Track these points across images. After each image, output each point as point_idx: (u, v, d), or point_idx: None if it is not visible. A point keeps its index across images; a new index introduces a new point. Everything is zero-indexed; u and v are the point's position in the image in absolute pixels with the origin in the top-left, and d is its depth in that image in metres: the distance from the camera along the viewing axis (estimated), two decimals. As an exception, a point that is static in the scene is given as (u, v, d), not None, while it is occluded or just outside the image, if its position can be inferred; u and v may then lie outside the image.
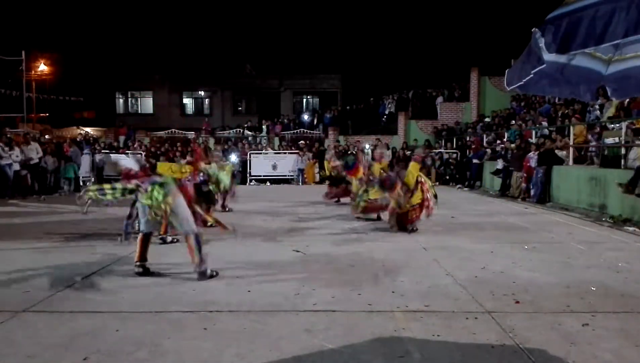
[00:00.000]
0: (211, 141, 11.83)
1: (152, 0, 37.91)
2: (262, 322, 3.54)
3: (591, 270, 5.05)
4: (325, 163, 19.18)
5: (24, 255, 5.79)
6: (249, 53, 37.95)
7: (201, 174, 7.50)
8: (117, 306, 3.87)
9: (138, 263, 4.85)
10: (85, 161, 17.13)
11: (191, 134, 23.08)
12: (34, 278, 4.67)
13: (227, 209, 10.16)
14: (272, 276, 4.80)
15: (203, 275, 4.64)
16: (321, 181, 19.02)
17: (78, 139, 20.17)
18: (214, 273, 4.74)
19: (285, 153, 19.85)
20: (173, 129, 24.22)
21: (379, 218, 8.39)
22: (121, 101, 34.27)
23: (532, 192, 11.71)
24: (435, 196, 7.48)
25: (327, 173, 18.65)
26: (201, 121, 26.49)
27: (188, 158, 7.81)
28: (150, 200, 4.71)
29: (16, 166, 13.41)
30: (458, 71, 25.92)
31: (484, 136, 17.89)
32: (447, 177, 18.07)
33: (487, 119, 20.22)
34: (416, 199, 7.17)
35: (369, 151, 18.42)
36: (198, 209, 5.07)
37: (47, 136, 18.89)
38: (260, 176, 18.94)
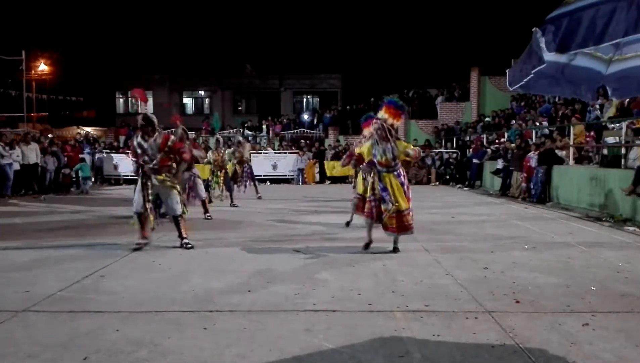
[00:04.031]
0: (211, 141, 12.04)
1: (151, 1, 37.92)
2: (262, 322, 3.53)
3: (591, 270, 5.05)
4: (326, 163, 19.27)
5: (24, 255, 5.78)
6: (249, 53, 37.98)
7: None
8: (117, 306, 3.86)
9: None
10: (85, 160, 17.15)
11: (191, 134, 23.06)
12: (34, 278, 4.67)
13: (235, 206, 10.57)
14: (272, 276, 4.80)
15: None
16: (321, 181, 19.05)
17: (77, 139, 20.18)
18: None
19: (285, 153, 19.86)
20: (173, 129, 24.19)
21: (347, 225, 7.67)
22: (121, 100, 34.27)
23: (532, 192, 11.71)
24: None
25: (328, 173, 18.79)
26: (201, 121, 26.50)
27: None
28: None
29: (16, 166, 13.42)
30: (458, 71, 26.00)
31: (485, 135, 17.90)
32: (447, 177, 18.09)
33: (487, 119, 20.23)
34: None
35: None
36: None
37: (49, 136, 18.86)
38: (260, 176, 18.93)
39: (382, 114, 5.75)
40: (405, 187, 5.78)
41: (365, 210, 5.95)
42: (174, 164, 6.22)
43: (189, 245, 6.06)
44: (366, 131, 7.35)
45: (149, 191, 6.06)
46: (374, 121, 5.87)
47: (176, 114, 9.28)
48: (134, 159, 6.29)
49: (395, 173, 5.75)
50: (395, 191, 5.68)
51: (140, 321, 3.56)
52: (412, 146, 5.89)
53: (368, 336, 3.26)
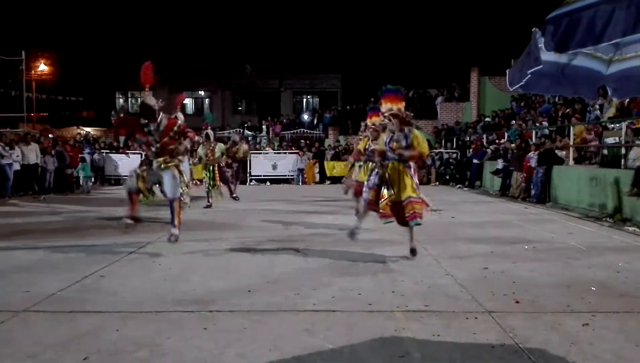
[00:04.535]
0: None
1: (151, 1, 37.90)
2: (262, 322, 3.54)
3: (591, 270, 5.05)
4: (326, 163, 19.28)
5: (24, 255, 5.78)
6: (249, 53, 37.91)
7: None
8: (117, 306, 3.86)
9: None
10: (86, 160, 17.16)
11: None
12: (34, 278, 4.67)
13: (235, 198, 10.57)
14: (272, 276, 4.80)
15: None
16: (321, 181, 19.06)
17: (77, 139, 20.18)
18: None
19: (285, 153, 19.86)
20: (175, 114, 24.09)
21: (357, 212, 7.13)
22: (121, 101, 34.28)
23: (532, 192, 11.71)
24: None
25: (328, 173, 18.80)
26: (201, 121, 26.50)
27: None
28: None
29: (16, 166, 13.41)
30: (458, 71, 25.98)
31: (485, 135, 17.90)
32: (447, 177, 18.10)
33: (487, 119, 20.24)
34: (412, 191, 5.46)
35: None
36: None
37: (50, 136, 18.86)
38: (260, 176, 18.95)
39: (385, 106, 5.57)
40: (416, 179, 5.50)
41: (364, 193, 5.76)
42: (178, 145, 6.02)
43: (173, 238, 5.83)
44: (371, 121, 7.30)
45: (146, 175, 5.92)
46: (385, 115, 5.65)
47: (182, 94, 8.89)
48: (142, 139, 6.10)
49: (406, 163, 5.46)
50: (399, 180, 5.40)
51: (140, 321, 3.56)
52: (424, 145, 5.48)
53: (368, 336, 3.27)
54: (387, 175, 5.49)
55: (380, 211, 5.51)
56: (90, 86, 32.32)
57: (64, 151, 15.54)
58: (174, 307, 3.84)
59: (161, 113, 5.97)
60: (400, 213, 5.45)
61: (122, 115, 6.09)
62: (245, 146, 12.18)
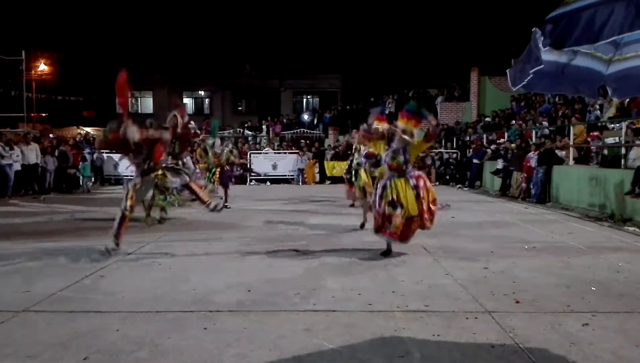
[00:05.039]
0: (208, 142, 11.76)
1: (151, 1, 37.90)
2: (262, 322, 3.54)
3: (591, 270, 5.05)
4: (326, 163, 19.26)
5: (24, 255, 5.78)
6: (249, 53, 37.91)
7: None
8: (117, 306, 3.87)
9: None
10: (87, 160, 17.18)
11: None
12: (34, 278, 4.67)
13: (227, 206, 10.48)
14: (272, 276, 4.80)
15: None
16: (321, 181, 19.06)
17: (77, 139, 20.19)
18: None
19: (285, 153, 19.85)
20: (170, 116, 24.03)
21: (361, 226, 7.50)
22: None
23: (532, 192, 11.71)
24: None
25: (329, 173, 18.80)
26: (201, 121, 26.48)
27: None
28: None
29: (17, 166, 13.41)
30: (458, 71, 25.98)
31: (485, 135, 17.89)
32: (447, 177, 18.09)
33: (487, 119, 20.23)
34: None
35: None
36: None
37: (50, 136, 18.89)
38: (260, 176, 18.95)
39: (401, 123, 5.66)
40: (421, 190, 5.48)
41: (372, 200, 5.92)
42: (169, 154, 5.99)
43: (219, 207, 5.88)
44: (377, 125, 7.30)
45: (140, 191, 5.90)
46: (391, 127, 5.84)
47: (178, 103, 8.72)
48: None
49: (408, 176, 5.53)
50: (406, 197, 5.45)
51: (140, 321, 3.56)
52: (421, 140, 5.67)
53: (368, 336, 3.27)
54: (392, 196, 5.51)
55: (392, 230, 5.50)
56: (90, 86, 32.30)
57: (66, 150, 15.57)
58: (173, 307, 3.84)
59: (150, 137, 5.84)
60: (415, 225, 5.54)
61: (109, 137, 5.81)
62: (226, 149, 11.92)
